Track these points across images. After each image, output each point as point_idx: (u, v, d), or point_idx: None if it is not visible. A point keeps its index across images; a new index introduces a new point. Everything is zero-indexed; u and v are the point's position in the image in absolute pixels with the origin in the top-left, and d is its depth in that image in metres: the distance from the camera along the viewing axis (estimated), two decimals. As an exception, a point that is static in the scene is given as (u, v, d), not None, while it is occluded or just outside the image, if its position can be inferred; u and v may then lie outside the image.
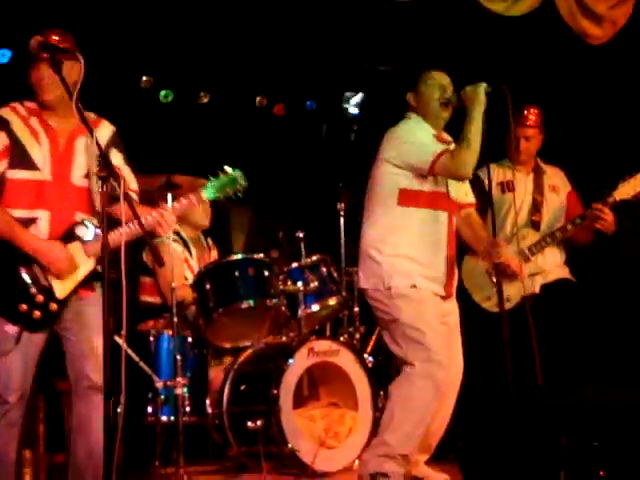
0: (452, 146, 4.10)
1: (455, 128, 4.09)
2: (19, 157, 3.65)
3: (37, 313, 3.58)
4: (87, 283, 3.69)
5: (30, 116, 3.71)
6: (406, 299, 4.01)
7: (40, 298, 3.59)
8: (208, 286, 4.79)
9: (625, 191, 4.60)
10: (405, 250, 4.05)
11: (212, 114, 6.41)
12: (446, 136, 4.20)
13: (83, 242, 3.67)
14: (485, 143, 3.93)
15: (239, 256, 4.91)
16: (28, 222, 3.64)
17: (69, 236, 3.67)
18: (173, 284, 4.59)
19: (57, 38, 3.68)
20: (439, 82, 4.13)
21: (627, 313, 5.27)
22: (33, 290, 3.59)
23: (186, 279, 5.12)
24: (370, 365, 4.81)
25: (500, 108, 3.92)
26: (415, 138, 4.08)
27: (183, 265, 5.21)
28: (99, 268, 3.62)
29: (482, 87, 3.97)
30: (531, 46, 5.46)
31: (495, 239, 4.08)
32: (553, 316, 4.53)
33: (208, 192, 3.99)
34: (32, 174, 3.66)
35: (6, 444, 3.60)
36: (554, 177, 4.96)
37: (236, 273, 4.81)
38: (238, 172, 4.14)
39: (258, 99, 6.64)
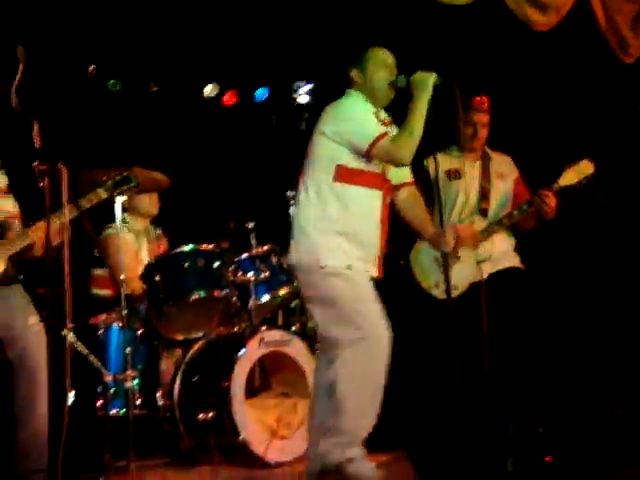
0: (391, 127, 4.08)
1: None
2: None
3: None
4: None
5: None
6: (341, 279, 3.91)
7: None
8: (158, 278, 4.77)
9: (570, 177, 4.65)
10: (340, 228, 3.95)
11: (161, 104, 6.36)
12: (385, 115, 4.13)
13: None
14: (431, 133, 3.92)
15: (189, 247, 4.88)
16: None
17: None
18: (122, 276, 4.56)
19: None
20: (386, 61, 4.08)
21: (576, 301, 5.33)
22: None
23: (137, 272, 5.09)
24: (322, 354, 4.82)
25: (443, 100, 3.92)
26: (357, 115, 3.99)
27: (135, 256, 5.18)
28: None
29: (432, 77, 3.96)
30: (476, 34, 5.48)
31: (442, 229, 4.08)
32: (501, 304, 4.55)
33: (101, 193, 4.04)
34: None
35: None
36: (501, 164, 4.98)
37: (186, 264, 4.79)
38: (131, 172, 4.17)
39: (208, 89, 6.61)
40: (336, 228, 3.96)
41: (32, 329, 3.67)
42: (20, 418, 3.69)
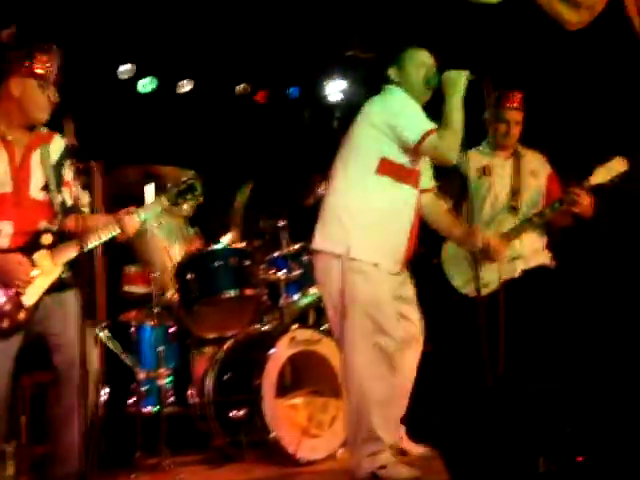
0: None
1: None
2: None
3: (5, 323, 3.59)
4: (56, 289, 3.70)
5: None
6: (364, 278, 3.89)
7: (7, 308, 3.59)
8: (189, 276, 4.79)
9: (601, 175, 4.61)
10: (375, 222, 3.93)
11: (194, 102, 6.39)
12: None
13: (50, 250, 3.69)
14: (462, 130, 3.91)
15: (220, 246, 4.91)
16: None
17: (34, 245, 3.68)
18: (156, 273, 4.61)
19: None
20: (425, 62, 4.08)
21: (608, 300, 5.28)
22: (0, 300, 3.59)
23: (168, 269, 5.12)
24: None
25: (475, 97, 3.91)
26: (408, 110, 3.97)
27: (165, 254, 5.21)
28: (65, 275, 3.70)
29: (464, 75, 3.95)
30: (509, 32, 5.46)
31: (472, 227, 4.07)
32: (531, 302, 4.53)
33: (164, 201, 4.05)
34: None
35: None
36: (533, 161, 4.94)
37: (217, 263, 4.81)
38: (197, 180, 4.17)
39: (240, 87, 6.64)
40: (373, 221, 3.93)
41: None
42: (60, 426, 3.64)
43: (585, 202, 4.59)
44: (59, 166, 3.77)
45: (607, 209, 4.76)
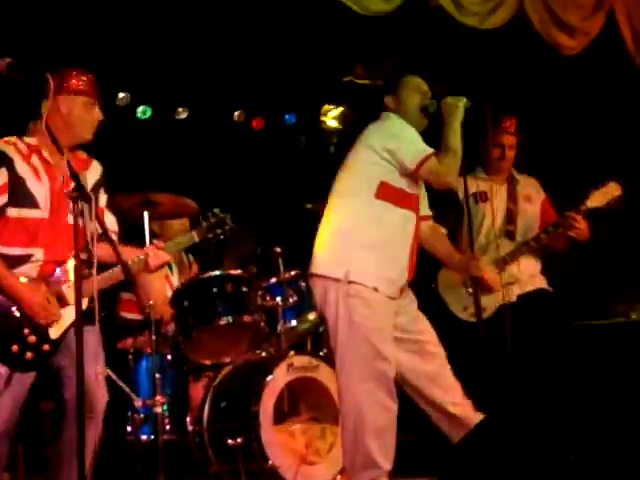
0: None
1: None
2: (21, 195, 3.59)
3: (29, 354, 3.52)
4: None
5: (31, 153, 3.64)
6: (363, 303, 3.85)
7: (32, 339, 3.53)
8: (186, 303, 4.78)
9: (597, 199, 4.63)
10: (375, 246, 3.90)
11: (190, 130, 6.41)
12: None
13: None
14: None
15: (217, 272, 4.89)
16: (22, 259, 3.58)
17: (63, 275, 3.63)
18: (151, 301, 4.59)
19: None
20: (420, 88, 4.09)
21: (605, 324, 5.28)
22: (26, 331, 3.53)
23: (166, 296, 5.11)
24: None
25: (472, 122, 3.93)
26: (407, 135, 3.97)
27: (164, 282, 5.20)
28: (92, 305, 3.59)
29: (463, 101, 3.97)
30: (505, 58, 5.49)
31: (473, 253, 4.07)
32: (529, 327, 4.53)
33: (195, 236, 4.02)
34: (33, 212, 3.60)
35: None
36: (528, 186, 4.97)
37: (214, 289, 4.80)
38: (226, 214, 4.15)
39: (237, 114, 6.66)
40: (371, 244, 3.91)
41: (96, 378, 3.58)
42: (61, 461, 3.58)
43: (581, 226, 4.61)
44: (94, 192, 3.67)
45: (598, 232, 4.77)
